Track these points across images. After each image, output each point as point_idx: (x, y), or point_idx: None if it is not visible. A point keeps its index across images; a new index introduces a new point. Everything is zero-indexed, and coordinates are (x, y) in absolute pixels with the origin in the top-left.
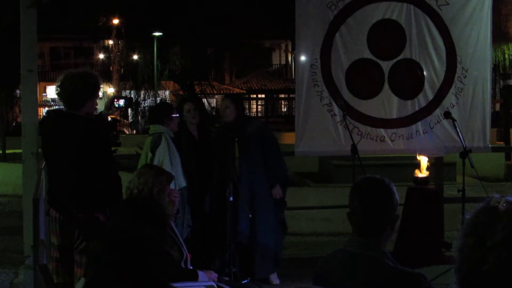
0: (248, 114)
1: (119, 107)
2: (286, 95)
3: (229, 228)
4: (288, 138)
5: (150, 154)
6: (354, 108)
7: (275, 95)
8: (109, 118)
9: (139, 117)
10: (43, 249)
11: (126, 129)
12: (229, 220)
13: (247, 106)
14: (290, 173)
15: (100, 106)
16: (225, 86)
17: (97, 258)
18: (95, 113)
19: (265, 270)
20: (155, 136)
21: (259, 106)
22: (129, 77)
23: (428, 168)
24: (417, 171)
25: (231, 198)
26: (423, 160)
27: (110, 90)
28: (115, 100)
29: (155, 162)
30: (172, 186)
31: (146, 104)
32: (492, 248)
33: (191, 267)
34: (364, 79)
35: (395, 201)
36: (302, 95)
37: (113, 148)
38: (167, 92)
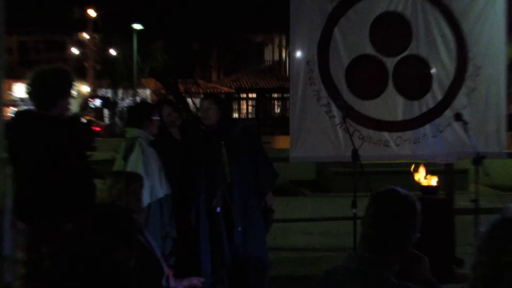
0: (234, 115)
1: (95, 107)
2: (280, 95)
3: (224, 240)
4: (282, 142)
5: (122, 162)
6: (355, 109)
7: (267, 95)
8: (84, 120)
9: (117, 119)
10: (8, 266)
11: (102, 128)
12: (224, 233)
13: (236, 106)
14: (284, 181)
15: (74, 106)
16: (212, 85)
17: (59, 271)
18: (68, 114)
19: (258, 285)
20: (129, 141)
21: (249, 107)
22: (106, 75)
23: (428, 174)
24: (416, 177)
25: (218, 209)
26: (422, 169)
27: (85, 88)
28: (91, 100)
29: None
30: (147, 198)
31: (124, 104)
32: (510, 265)
33: (174, 285)
34: (366, 77)
35: (417, 221)
36: (297, 95)
37: (88, 153)
38: (148, 91)
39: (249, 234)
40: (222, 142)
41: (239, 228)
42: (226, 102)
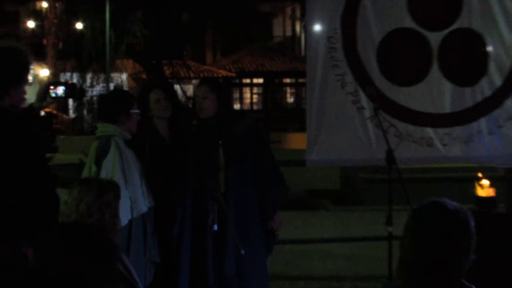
0: (234, 107)
1: (57, 97)
2: (293, 80)
3: (210, 268)
4: (296, 141)
5: (94, 167)
6: (389, 98)
7: (277, 80)
8: (43, 113)
9: (85, 112)
10: None
11: (65, 123)
12: (211, 257)
13: (237, 95)
14: (300, 191)
15: (30, 95)
16: (207, 67)
17: None
18: (22, 105)
19: None
20: (102, 140)
21: (254, 96)
22: (71, 55)
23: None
24: (478, 189)
25: (215, 227)
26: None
27: (44, 72)
28: (51, 87)
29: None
30: (127, 213)
31: (94, 93)
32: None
33: None
34: (404, 57)
35: (471, 242)
36: (316, 80)
37: (47, 155)
38: (124, 76)
39: (247, 265)
40: (220, 142)
41: (242, 251)
42: (227, 89)
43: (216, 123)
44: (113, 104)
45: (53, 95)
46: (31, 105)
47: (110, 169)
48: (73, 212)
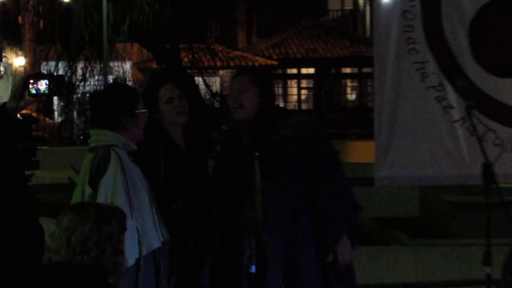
0: (280, 105)
1: (39, 94)
2: (356, 70)
3: None
4: (359, 152)
5: (88, 189)
6: (487, 93)
7: (334, 70)
8: (19, 116)
9: (75, 114)
10: None
11: (49, 130)
12: None
13: (280, 90)
14: (366, 219)
15: (3, 91)
16: (239, 53)
17: None
18: None
19: None
20: (98, 152)
21: (303, 91)
22: (55, 37)
23: None
24: None
25: (253, 268)
26: None
27: (19, 61)
28: (31, 81)
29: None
30: (134, 249)
31: (87, 89)
32: None
33: None
34: (505, 39)
35: None
36: (386, 70)
37: (26, 173)
38: (128, 65)
39: None
40: (256, 154)
41: None
42: (271, 82)
43: (253, 126)
44: (111, 104)
45: (34, 91)
46: (3, 105)
47: (109, 191)
48: (63, 247)
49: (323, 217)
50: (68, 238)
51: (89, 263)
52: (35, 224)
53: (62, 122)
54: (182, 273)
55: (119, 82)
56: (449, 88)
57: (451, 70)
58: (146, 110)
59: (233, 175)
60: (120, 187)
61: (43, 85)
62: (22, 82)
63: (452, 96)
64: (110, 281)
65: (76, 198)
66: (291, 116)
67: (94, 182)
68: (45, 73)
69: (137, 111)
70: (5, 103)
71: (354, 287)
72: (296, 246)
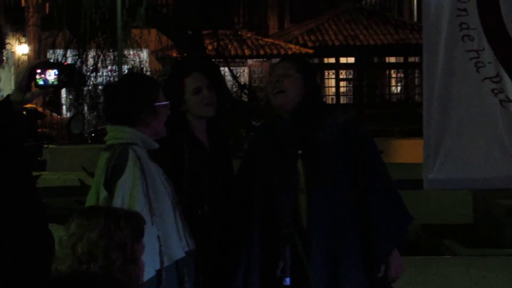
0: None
1: (46, 85)
2: (402, 59)
3: None
4: (406, 151)
5: (104, 192)
6: None
7: (376, 59)
8: (23, 111)
9: (85, 109)
10: None
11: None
12: None
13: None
14: (414, 225)
15: (4, 82)
16: (270, 41)
17: None
18: None
19: None
20: (115, 151)
21: (342, 83)
22: (63, 23)
23: None
24: None
25: (287, 281)
26: None
27: (23, 49)
28: (38, 71)
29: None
30: (155, 260)
31: (99, 80)
32: None
33: None
34: None
35: None
36: (437, 60)
37: (32, 174)
38: (145, 54)
39: None
40: (299, 151)
41: None
42: (315, 73)
43: (295, 118)
44: (128, 96)
45: (41, 82)
46: (7, 98)
47: (127, 194)
48: (69, 255)
49: (374, 229)
50: (74, 245)
51: (97, 273)
52: (45, 232)
53: (72, 117)
54: (206, 283)
55: (136, 72)
56: (507, 79)
57: (510, 59)
58: (167, 102)
59: (270, 176)
60: (139, 190)
61: (51, 75)
62: (28, 72)
63: (510, 88)
64: None
65: (90, 202)
66: (336, 112)
67: (110, 185)
68: (54, 61)
69: (157, 104)
70: (9, 95)
71: None
72: (341, 257)
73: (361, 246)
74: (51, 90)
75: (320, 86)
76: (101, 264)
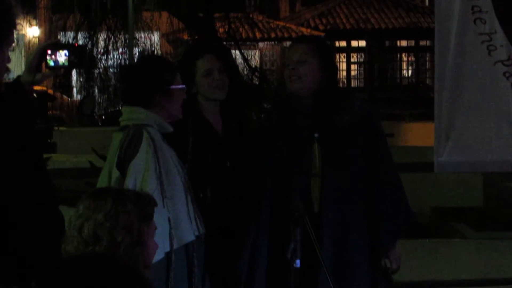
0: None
1: (57, 66)
2: (413, 43)
3: None
4: (417, 134)
5: (116, 172)
6: None
7: (388, 43)
8: (34, 93)
9: (96, 91)
10: None
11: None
12: None
13: None
14: (424, 208)
15: (14, 65)
16: (281, 24)
17: None
18: (5, 79)
19: None
20: (129, 132)
21: (353, 66)
22: (74, 4)
23: None
24: None
25: (298, 263)
26: None
27: (34, 31)
28: (49, 52)
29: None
30: (165, 242)
31: (110, 63)
32: None
33: None
34: None
35: None
36: (449, 43)
37: (44, 156)
38: (156, 36)
39: None
40: (316, 135)
41: None
42: (333, 54)
43: (311, 105)
44: (144, 78)
45: (52, 63)
46: (18, 78)
47: (139, 176)
48: (75, 237)
49: (379, 221)
50: (80, 227)
51: (115, 257)
52: (55, 214)
53: (83, 98)
54: (216, 268)
55: (154, 54)
56: None
57: None
58: (184, 86)
59: (285, 159)
60: (152, 172)
61: (62, 56)
62: (38, 52)
63: None
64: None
65: (102, 182)
66: (352, 98)
67: (122, 165)
68: (64, 43)
69: (173, 87)
70: (19, 76)
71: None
72: (350, 241)
73: (368, 234)
74: (62, 71)
75: (337, 68)
76: (106, 246)
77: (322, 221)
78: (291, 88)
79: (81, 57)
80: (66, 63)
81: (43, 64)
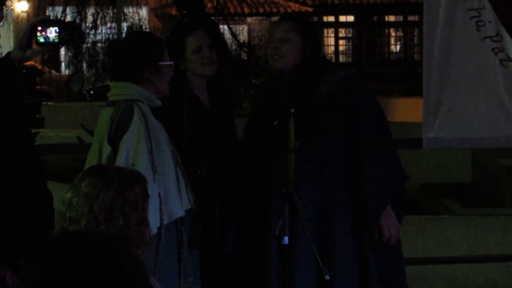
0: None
1: (48, 42)
2: (401, 18)
3: None
4: (405, 110)
5: (107, 147)
6: None
7: (376, 18)
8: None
9: (84, 66)
10: None
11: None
12: (279, 285)
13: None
14: (412, 184)
15: (4, 39)
16: None
17: None
18: None
19: None
20: (119, 107)
21: (341, 41)
22: None
23: None
24: None
25: (286, 240)
26: None
27: (22, 6)
28: (39, 28)
29: (120, 165)
30: (155, 218)
31: (100, 37)
32: None
33: None
34: None
35: None
36: (437, 19)
37: (32, 131)
38: (144, 11)
39: None
40: (292, 110)
41: (327, 277)
42: (316, 31)
43: (293, 79)
44: (132, 54)
45: (42, 40)
46: (8, 55)
47: (131, 151)
48: (84, 215)
49: (365, 186)
50: (90, 205)
51: (114, 233)
52: (43, 190)
53: (71, 75)
54: (206, 243)
55: (143, 30)
56: (507, 38)
57: (510, 18)
58: (172, 62)
59: (265, 134)
60: (143, 147)
61: (52, 33)
62: (28, 29)
63: (510, 47)
64: (134, 252)
65: (92, 158)
66: (336, 70)
67: (114, 141)
68: (54, 19)
69: (161, 63)
70: (9, 53)
71: (400, 262)
72: (329, 215)
73: (349, 205)
74: (52, 48)
75: (321, 45)
76: (120, 224)
77: (303, 199)
78: (273, 67)
79: (71, 34)
80: (56, 40)
81: (34, 41)
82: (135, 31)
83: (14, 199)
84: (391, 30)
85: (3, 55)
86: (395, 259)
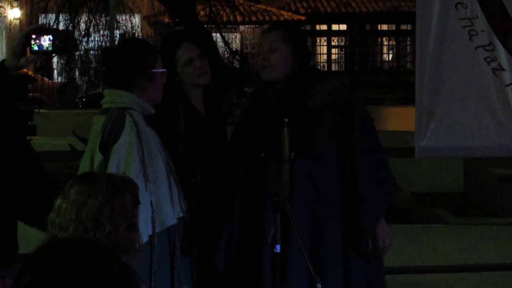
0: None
1: (41, 51)
2: (394, 27)
3: None
4: (397, 119)
5: (99, 156)
6: None
7: (369, 27)
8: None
9: (77, 73)
10: None
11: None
12: None
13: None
14: (404, 194)
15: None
16: (262, 7)
17: None
18: None
19: None
20: (112, 115)
21: (334, 50)
22: None
23: None
24: None
25: (278, 248)
26: None
27: (15, 13)
28: (33, 36)
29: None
30: (147, 226)
31: (92, 44)
32: None
33: None
34: None
35: None
36: (430, 28)
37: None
38: (137, 19)
39: None
40: (286, 120)
41: (319, 285)
42: (305, 39)
43: (285, 89)
44: (125, 61)
45: (36, 48)
46: (2, 63)
47: (122, 159)
48: (72, 222)
49: (359, 198)
50: (78, 212)
51: (101, 240)
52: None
53: (67, 83)
54: (199, 251)
55: (136, 37)
56: (499, 47)
57: (503, 27)
58: (164, 70)
59: (258, 144)
60: (135, 155)
61: (46, 41)
62: (23, 37)
63: (503, 57)
64: (124, 260)
65: (84, 166)
66: (328, 79)
67: (105, 149)
68: (48, 27)
69: (154, 70)
70: (3, 61)
71: (381, 272)
72: (321, 224)
73: (342, 216)
74: (46, 56)
75: (311, 53)
76: (108, 231)
77: (296, 208)
78: (262, 77)
79: (65, 42)
80: (50, 48)
81: (28, 49)
82: (128, 38)
83: (11, 204)
84: (384, 39)
85: None
86: (378, 269)
